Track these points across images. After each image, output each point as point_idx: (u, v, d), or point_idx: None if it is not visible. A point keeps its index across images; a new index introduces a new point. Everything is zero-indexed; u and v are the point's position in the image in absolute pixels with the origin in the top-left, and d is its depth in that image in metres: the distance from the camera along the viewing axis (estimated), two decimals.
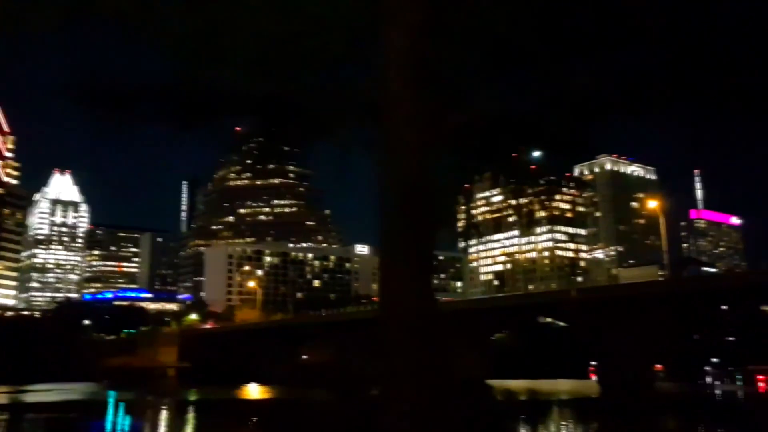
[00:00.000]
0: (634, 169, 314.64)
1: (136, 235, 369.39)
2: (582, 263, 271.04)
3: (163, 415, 62.92)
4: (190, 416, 60.62)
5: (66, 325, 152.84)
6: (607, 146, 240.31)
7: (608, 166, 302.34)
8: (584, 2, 6.85)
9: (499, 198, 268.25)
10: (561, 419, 57.42)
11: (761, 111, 7.47)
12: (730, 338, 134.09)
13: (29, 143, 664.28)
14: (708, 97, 7.42)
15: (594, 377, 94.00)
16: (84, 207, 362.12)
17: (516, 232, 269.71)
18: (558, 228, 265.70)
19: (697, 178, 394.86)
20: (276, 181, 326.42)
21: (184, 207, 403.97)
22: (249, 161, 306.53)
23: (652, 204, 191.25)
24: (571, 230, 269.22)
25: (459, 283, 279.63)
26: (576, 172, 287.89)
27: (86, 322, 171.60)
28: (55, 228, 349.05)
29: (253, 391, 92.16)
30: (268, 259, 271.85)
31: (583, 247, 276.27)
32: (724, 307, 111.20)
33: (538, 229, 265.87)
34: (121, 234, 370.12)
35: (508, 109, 7.65)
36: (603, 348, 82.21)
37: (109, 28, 7.18)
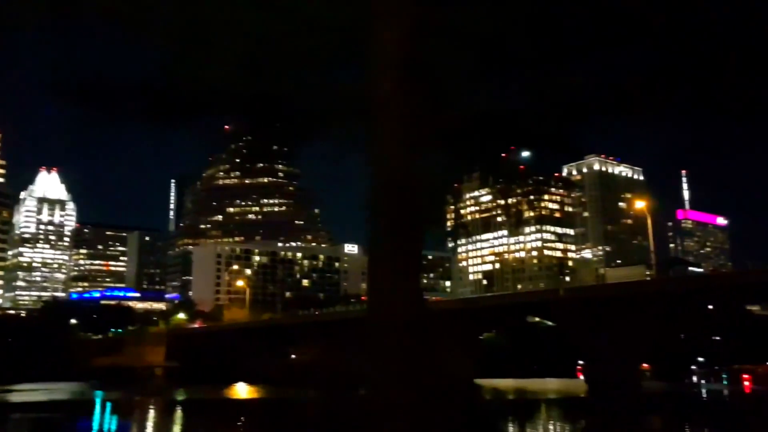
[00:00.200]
0: (622, 170, 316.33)
1: (123, 234, 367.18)
2: (570, 263, 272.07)
3: (151, 415, 62.64)
4: (178, 416, 60.38)
5: (52, 325, 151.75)
6: (596, 147, 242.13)
7: (596, 167, 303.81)
8: (573, 3, 6.87)
9: (488, 197, 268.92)
10: (549, 418, 57.62)
11: (748, 112, 7.53)
12: (716, 338, 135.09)
13: (15, 141, 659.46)
14: (695, 98, 7.47)
15: (581, 376, 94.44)
16: (71, 205, 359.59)
17: (505, 232, 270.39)
18: (546, 228, 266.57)
19: (684, 179, 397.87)
20: (265, 180, 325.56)
21: (172, 206, 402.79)
22: (238, 160, 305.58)
23: (640, 204, 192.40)
24: (559, 230, 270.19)
25: (448, 283, 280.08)
26: (564, 172, 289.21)
27: (73, 321, 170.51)
28: (42, 226, 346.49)
29: (242, 390, 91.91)
30: (256, 258, 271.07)
31: (572, 247, 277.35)
32: (710, 307, 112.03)
33: (527, 229, 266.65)
34: (109, 233, 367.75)
35: (498, 109, 7.67)
36: (590, 347, 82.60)
37: (96, 25, 7.13)
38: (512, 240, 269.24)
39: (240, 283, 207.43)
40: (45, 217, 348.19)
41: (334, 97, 7.42)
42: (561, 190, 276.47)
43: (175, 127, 8.02)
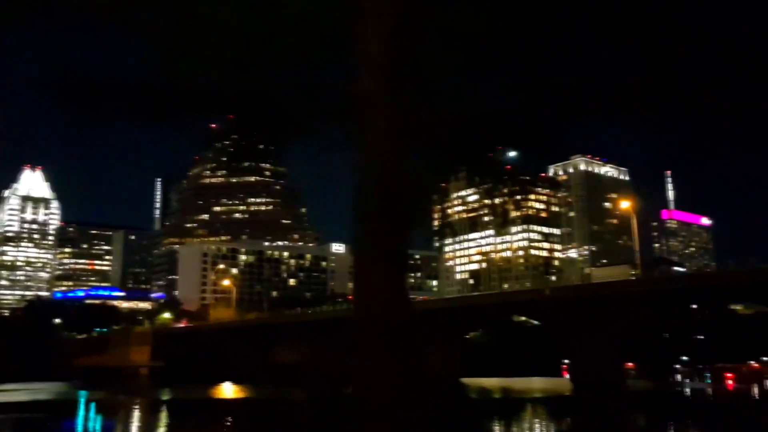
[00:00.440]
0: (608, 170, 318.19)
1: (108, 233, 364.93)
2: (556, 262, 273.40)
3: (135, 415, 62.28)
4: (163, 416, 60.08)
5: (36, 324, 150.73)
6: (582, 147, 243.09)
7: (582, 167, 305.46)
8: (560, 4, 6.90)
9: (475, 197, 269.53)
10: (534, 417, 57.86)
11: (732, 114, 7.59)
12: (700, 337, 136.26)
13: None
14: (680, 99, 7.52)
15: (567, 375, 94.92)
16: (55, 204, 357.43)
17: (491, 232, 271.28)
18: (533, 227, 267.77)
19: (668, 179, 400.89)
20: (251, 179, 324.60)
21: (157, 204, 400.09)
22: (224, 159, 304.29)
23: (625, 204, 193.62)
24: (545, 230, 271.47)
25: (435, 282, 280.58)
26: (551, 172, 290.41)
27: (57, 320, 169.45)
28: (26, 225, 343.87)
29: (228, 390, 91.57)
30: (243, 257, 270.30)
31: (557, 247, 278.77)
32: (693, 306, 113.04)
33: (513, 229, 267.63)
34: (93, 231, 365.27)
35: (484, 109, 7.69)
36: (576, 346, 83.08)
37: (80, 22, 7.08)
38: (499, 239, 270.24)
39: (226, 282, 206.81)
40: (29, 215, 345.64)
41: (320, 96, 7.41)
42: (547, 190, 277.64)
43: (160, 125, 7.98)
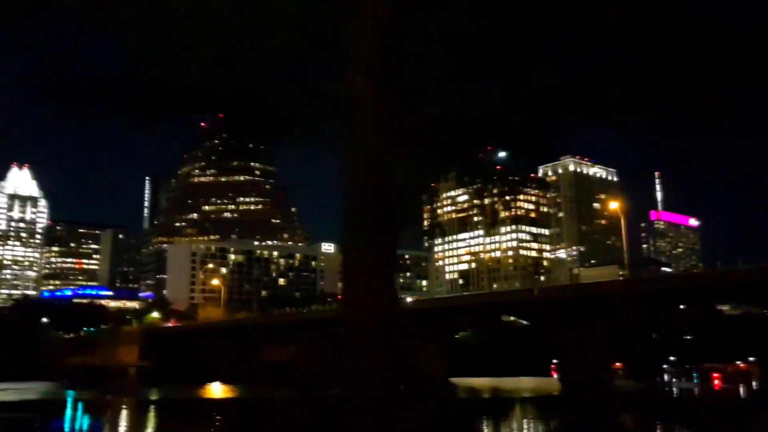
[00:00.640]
0: (597, 171, 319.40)
1: (96, 232, 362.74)
2: (545, 263, 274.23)
3: (123, 414, 61.99)
4: (151, 416, 59.84)
5: (23, 323, 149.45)
6: (571, 148, 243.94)
7: (571, 168, 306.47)
8: (548, 5, 6.93)
9: (465, 197, 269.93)
10: (522, 417, 58.04)
11: (720, 115, 7.64)
12: (688, 337, 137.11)
13: None
14: (668, 101, 7.57)
15: (556, 375, 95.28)
16: (43, 202, 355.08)
17: (481, 232, 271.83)
18: (522, 228, 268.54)
19: (657, 181, 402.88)
20: (241, 178, 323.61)
21: (146, 203, 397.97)
22: (214, 157, 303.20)
23: (614, 205, 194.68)
24: (534, 230, 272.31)
25: (424, 282, 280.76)
26: (540, 172, 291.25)
27: (44, 320, 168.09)
28: (13, 223, 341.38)
29: (216, 390, 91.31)
30: (232, 257, 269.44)
31: (546, 247, 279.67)
32: (681, 307, 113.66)
33: (503, 229, 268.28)
34: (82, 230, 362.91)
35: (473, 109, 7.70)
36: (564, 346, 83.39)
37: (69, 19, 7.05)
38: (488, 240, 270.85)
39: (215, 282, 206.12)
40: (16, 214, 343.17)
41: (310, 94, 7.40)
42: (536, 191, 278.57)
43: (149, 123, 7.94)
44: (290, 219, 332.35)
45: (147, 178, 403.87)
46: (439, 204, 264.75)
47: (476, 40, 6.87)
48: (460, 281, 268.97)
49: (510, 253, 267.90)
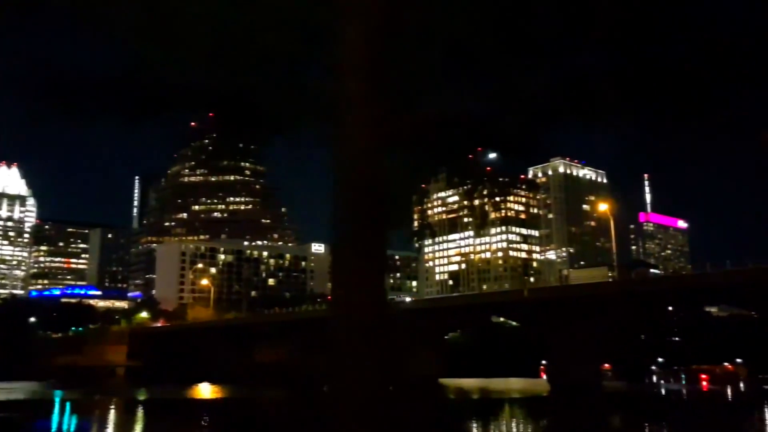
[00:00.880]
0: (586, 173, 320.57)
1: (85, 231, 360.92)
2: (535, 264, 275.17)
3: (111, 415, 61.69)
4: (139, 416, 59.60)
5: (11, 323, 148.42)
6: (560, 149, 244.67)
7: (561, 169, 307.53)
8: (539, 6, 6.95)
9: (455, 198, 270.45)
10: (511, 417, 58.19)
11: (708, 118, 7.69)
12: (676, 338, 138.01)
13: None
14: (656, 103, 7.61)
15: (545, 376, 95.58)
16: (31, 201, 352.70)
17: (471, 233, 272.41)
18: (512, 229, 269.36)
19: (646, 183, 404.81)
20: (231, 177, 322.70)
21: (136, 203, 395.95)
22: (203, 157, 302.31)
23: (603, 207, 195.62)
24: (524, 231, 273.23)
25: (414, 283, 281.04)
26: (530, 174, 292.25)
27: (32, 319, 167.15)
28: (1, 222, 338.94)
29: (205, 390, 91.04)
30: (222, 256, 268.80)
31: (536, 248, 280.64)
32: (670, 308, 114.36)
33: (493, 230, 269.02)
34: (70, 229, 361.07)
35: (463, 110, 7.72)
36: (553, 347, 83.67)
37: (57, 17, 7.01)
38: (478, 241, 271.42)
39: (204, 281, 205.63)
40: (4, 212, 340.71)
41: (301, 94, 7.39)
42: (526, 192, 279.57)
43: (139, 123, 7.91)
44: (280, 219, 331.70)
45: (136, 177, 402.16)
46: (429, 205, 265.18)
47: (468, 41, 6.88)
48: (450, 282, 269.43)
49: (500, 254, 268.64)
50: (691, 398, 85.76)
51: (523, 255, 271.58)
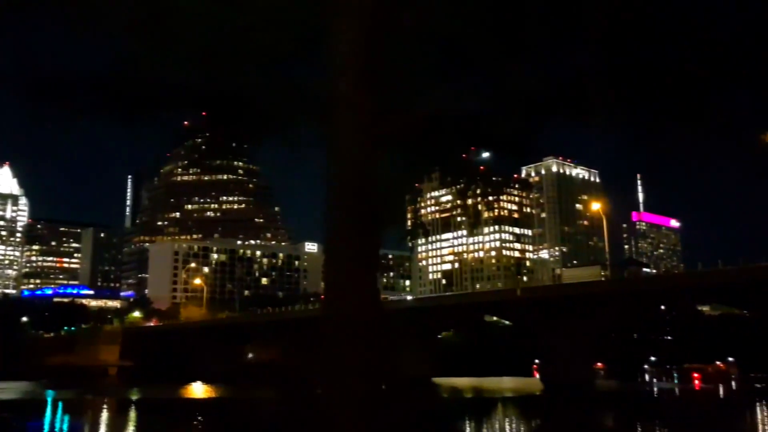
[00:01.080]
0: (579, 172, 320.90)
1: (77, 230, 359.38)
2: (528, 263, 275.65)
3: (103, 415, 61.49)
4: (131, 416, 59.42)
5: (3, 323, 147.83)
6: (554, 149, 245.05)
7: (554, 169, 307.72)
8: (531, 6, 6.96)
9: (448, 198, 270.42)
10: (504, 416, 58.28)
11: (700, 117, 7.71)
12: (668, 337, 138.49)
13: None
14: (649, 103, 7.63)
15: (538, 375, 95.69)
16: (23, 200, 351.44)
17: (464, 232, 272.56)
18: (505, 228, 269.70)
19: (638, 182, 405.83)
20: (224, 177, 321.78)
21: (128, 202, 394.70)
22: (197, 156, 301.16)
23: (596, 206, 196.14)
24: (517, 230, 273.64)
25: (407, 282, 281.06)
26: (523, 173, 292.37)
27: (24, 319, 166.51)
28: None
29: (198, 390, 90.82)
30: (215, 256, 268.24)
31: (529, 247, 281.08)
32: (662, 307, 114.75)
33: (486, 229, 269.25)
34: (63, 229, 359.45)
35: (456, 110, 7.73)
36: (546, 346, 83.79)
37: (50, 16, 6.98)
38: (471, 240, 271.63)
39: (197, 281, 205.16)
40: None
41: (294, 94, 7.39)
42: (519, 191, 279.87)
43: (132, 122, 7.89)
44: (273, 218, 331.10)
45: (129, 176, 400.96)
46: (422, 204, 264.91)
47: (461, 41, 6.89)
48: (443, 281, 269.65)
49: (493, 253, 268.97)
50: (684, 397, 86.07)
51: (516, 254, 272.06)
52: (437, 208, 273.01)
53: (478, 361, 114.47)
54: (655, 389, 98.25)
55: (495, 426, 52.02)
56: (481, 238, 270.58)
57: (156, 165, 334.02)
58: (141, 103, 7.58)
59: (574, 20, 6.90)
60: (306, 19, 6.52)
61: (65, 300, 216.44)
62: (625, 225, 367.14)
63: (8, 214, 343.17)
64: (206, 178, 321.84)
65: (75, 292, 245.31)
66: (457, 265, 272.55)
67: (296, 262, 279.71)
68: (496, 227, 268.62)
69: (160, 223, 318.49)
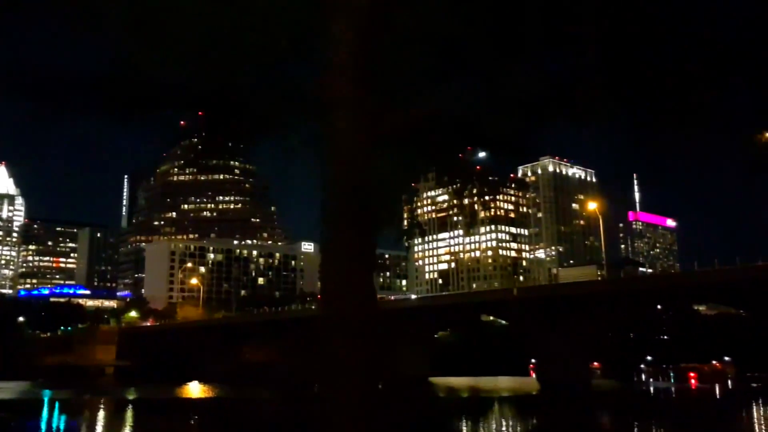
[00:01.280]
0: (575, 172, 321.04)
1: (74, 230, 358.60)
2: (524, 263, 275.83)
3: (100, 414, 61.40)
4: (128, 416, 59.33)
5: None
6: (550, 148, 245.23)
7: (550, 168, 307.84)
8: (528, 7, 6.98)
9: (444, 197, 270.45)
10: (501, 415, 58.33)
11: (696, 116, 7.74)
12: (664, 337, 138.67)
13: None
14: (645, 103, 7.66)
15: (534, 375, 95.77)
16: (20, 200, 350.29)
17: (460, 232, 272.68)
18: (501, 228, 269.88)
19: (635, 182, 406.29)
20: (220, 176, 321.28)
21: (124, 202, 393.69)
22: (193, 156, 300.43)
23: (592, 206, 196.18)
24: (513, 230, 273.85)
25: (404, 282, 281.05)
26: (519, 173, 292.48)
27: (21, 319, 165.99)
28: None
29: (195, 389, 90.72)
30: (211, 256, 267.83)
31: (526, 247, 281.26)
32: (658, 307, 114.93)
33: (482, 229, 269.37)
34: (59, 228, 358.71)
35: (453, 110, 7.74)
36: (543, 346, 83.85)
37: (46, 16, 6.98)
38: (468, 239, 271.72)
39: (194, 281, 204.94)
40: None
41: (290, 93, 7.40)
42: (516, 191, 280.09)
43: (128, 121, 7.90)
44: (270, 218, 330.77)
45: (125, 176, 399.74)
46: (418, 203, 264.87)
47: (458, 41, 6.90)
48: (440, 281, 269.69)
49: (489, 253, 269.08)
50: (680, 396, 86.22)
51: (513, 254, 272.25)
52: (434, 207, 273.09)
53: (474, 360, 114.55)
54: (652, 389, 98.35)
55: (491, 426, 52.04)
56: (477, 237, 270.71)
57: (152, 165, 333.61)
58: (137, 103, 7.59)
59: (571, 20, 6.92)
60: (302, 20, 6.53)
61: (62, 300, 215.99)
62: (621, 225, 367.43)
63: (4, 214, 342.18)
64: (202, 178, 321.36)
65: (71, 292, 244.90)
66: (453, 264, 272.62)
67: (293, 262, 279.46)
68: (493, 227, 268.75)
69: (156, 222, 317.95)
